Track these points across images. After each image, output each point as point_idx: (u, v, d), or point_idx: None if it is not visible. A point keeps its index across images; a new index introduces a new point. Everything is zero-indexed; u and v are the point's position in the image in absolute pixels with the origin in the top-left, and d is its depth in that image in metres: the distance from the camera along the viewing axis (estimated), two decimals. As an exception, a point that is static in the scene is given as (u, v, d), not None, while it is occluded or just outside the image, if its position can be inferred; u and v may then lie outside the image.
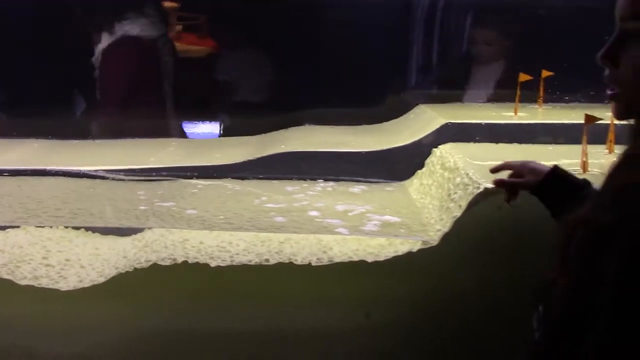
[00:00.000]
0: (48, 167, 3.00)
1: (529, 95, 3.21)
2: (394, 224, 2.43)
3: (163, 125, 3.74)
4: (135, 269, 2.20)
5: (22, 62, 3.77)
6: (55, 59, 3.70)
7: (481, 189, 2.14)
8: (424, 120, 3.21)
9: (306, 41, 3.90)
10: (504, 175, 1.73)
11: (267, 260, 2.21)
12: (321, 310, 2.17)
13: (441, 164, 2.69)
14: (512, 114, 3.13)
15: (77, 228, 2.53)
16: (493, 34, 3.66)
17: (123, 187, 2.88)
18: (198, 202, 2.67)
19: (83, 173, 2.96)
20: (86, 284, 2.22)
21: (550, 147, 2.76)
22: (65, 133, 3.56)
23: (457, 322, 2.13)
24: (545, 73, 3.10)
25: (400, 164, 2.96)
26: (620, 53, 1.17)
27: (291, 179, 2.94)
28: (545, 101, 3.26)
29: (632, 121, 1.20)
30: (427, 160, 2.87)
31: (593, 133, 2.29)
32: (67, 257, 2.38)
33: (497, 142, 2.83)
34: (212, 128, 4.13)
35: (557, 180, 1.59)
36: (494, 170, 1.77)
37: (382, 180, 2.95)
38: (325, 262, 2.21)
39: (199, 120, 4.11)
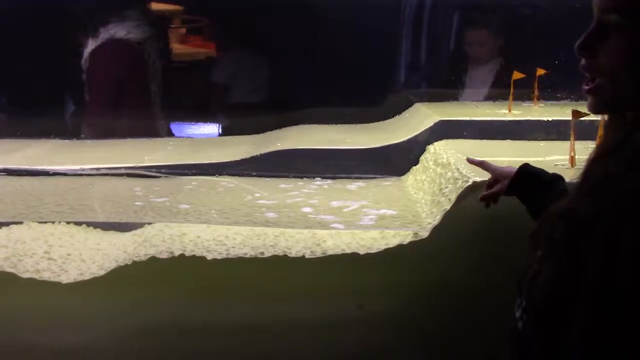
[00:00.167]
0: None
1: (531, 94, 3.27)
2: (388, 217, 2.47)
3: (151, 125, 3.80)
4: (135, 262, 2.25)
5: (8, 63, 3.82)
6: (45, 61, 3.75)
7: (470, 183, 2.19)
8: (418, 118, 3.25)
9: (304, 42, 3.95)
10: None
11: (262, 253, 2.27)
12: (315, 301, 2.22)
13: (434, 160, 2.74)
14: (507, 111, 3.17)
15: (78, 223, 2.59)
16: (487, 33, 3.71)
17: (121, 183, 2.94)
18: (196, 198, 2.73)
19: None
20: (87, 277, 2.28)
21: (541, 144, 2.80)
22: (57, 133, 3.63)
23: (448, 311, 2.18)
24: (540, 71, 3.14)
25: (396, 161, 3.01)
26: (598, 44, 1.18)
27: (287, 176, 2.98)
28: (545, 99, 3.30)
29: (606, 116, 1.24)
30: (422, 157, 2.92)
31: (587, 129, 2.30)
32: (69, 252, 2.43)
33: (489, 138, 2.88)
34: (211, 129, 4.18)
35: (526, 178, 1.64)
36: (471, 162, 1.88)
37: (378, 176, 3.00)
38: (318, 254, 2.27)
39: (199, 121, 4.16)
